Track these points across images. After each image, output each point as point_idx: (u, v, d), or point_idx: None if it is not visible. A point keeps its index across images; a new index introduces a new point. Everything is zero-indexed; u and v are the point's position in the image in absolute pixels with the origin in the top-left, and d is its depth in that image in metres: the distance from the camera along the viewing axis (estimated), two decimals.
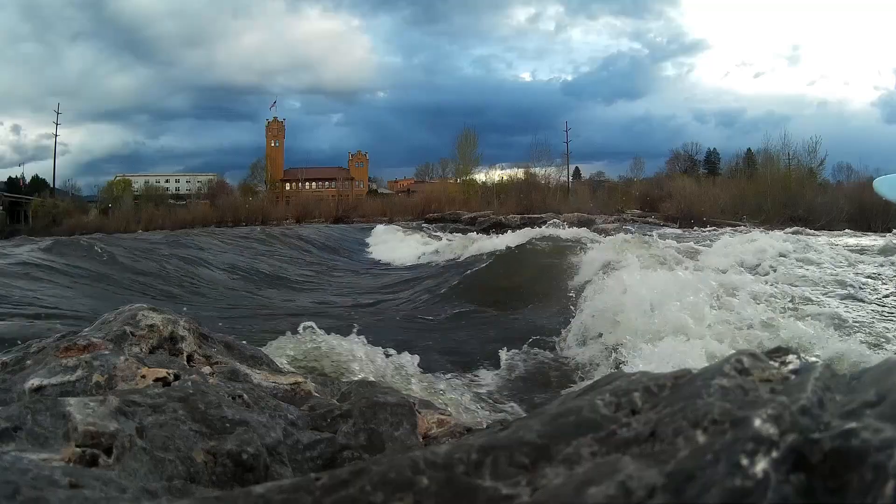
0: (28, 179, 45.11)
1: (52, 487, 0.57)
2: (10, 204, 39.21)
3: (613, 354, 3.20)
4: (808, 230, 13.36)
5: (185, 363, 1.29)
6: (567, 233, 8.14)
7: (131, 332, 1.27)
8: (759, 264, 5.60)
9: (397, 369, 2.43)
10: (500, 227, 17.88)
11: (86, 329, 1.31)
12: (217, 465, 0.81)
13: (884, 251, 6.70)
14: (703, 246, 6.81)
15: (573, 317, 4.03)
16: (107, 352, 1.13)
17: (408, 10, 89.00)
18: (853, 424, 0.41)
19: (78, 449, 0.73)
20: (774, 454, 0.40)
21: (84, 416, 0.77)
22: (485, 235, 11.95)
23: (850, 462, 0.38)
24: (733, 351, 0.61)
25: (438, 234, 17.14)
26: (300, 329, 2.44)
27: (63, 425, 0.76)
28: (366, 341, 2.49)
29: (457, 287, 6.22)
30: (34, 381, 1.03)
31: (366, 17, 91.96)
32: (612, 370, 2.93)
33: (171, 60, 78.28)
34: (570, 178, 44.55)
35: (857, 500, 0.37)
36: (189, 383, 1.02)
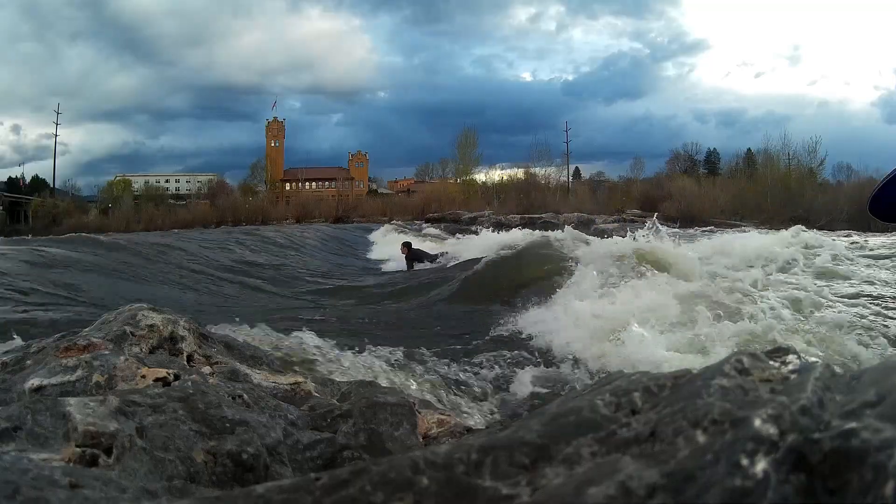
0: (28, 179, 45.16)
1: (52, 487, 0.57)
2: (10, 204, 39.22)
3: None
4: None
5: (185, 363, 1.29)
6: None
7: (131, 332, 1.27)
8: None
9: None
10: (500, 228, 17.97)
11: (86, 329, 1.31)
12: (217, 465, 0.81)
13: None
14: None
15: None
16: (107, 352, 1.13)
17: (408, 10, 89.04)
18: (853, 424, 0.41)
19: (78, 449, 0.73)
20: (774, 454, 0.40)
21: (84, 416, 0.77)
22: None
23: (850, 462, 0.38)
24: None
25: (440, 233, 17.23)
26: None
27: (63, 425, 0.76)
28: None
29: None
30: (34, 381, 1.03)
31: (366, 17, 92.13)
32: None
33: (171, 60, 78.40)
34: (570, 178, 44.60)
35: (857, 500, 0.37)
36: (189, 383, 1.02)
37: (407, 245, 10.12)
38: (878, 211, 1.30)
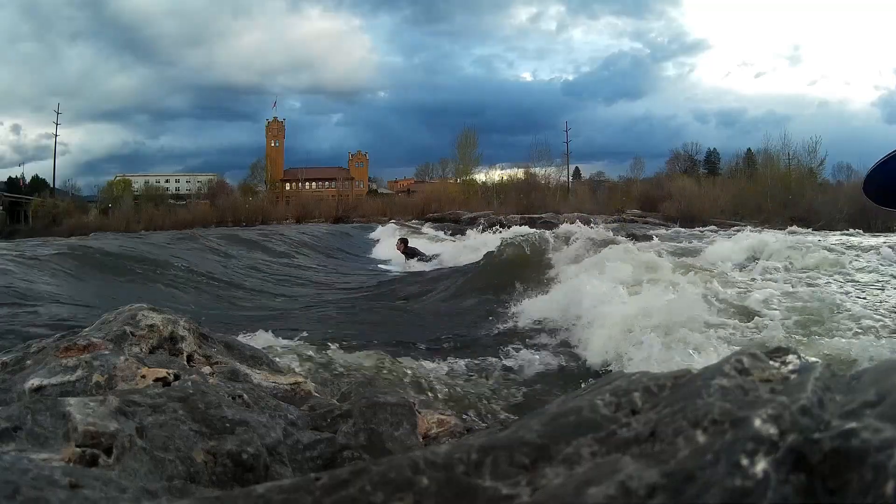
0: (28, 179, 45.21)
1: (52, 487, 0.57)
2: (10, 204, 39.24)
3: None
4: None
5: (185, 363, 1.29)
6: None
7: (131, 332, 1.27)
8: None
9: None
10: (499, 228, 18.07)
11: (86, 329, 1.31)
12: (217, 465, 0.81)
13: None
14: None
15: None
16: (107, 352, 1.13)
17: (409, 10, 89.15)
18: (853, 424, 0.41)
19: (78, 449, 0.73)
20: (774, 454, 0.40)
21: (84, 416, 0.77)
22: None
23: (850, 462, 0.38)
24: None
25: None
26: None
27: (63, 425, 0.76)
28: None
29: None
30: (34, 381, 1.03)
31: (366, 17, 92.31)
32: None
33: (171, 60, 78.51)
34: (570, 178, 44.62)
35: (857, 500, 0.37)
36: (189, 383, 1.02)
37: (403, 241, 10.25)
38: (870, 191, 1.31)
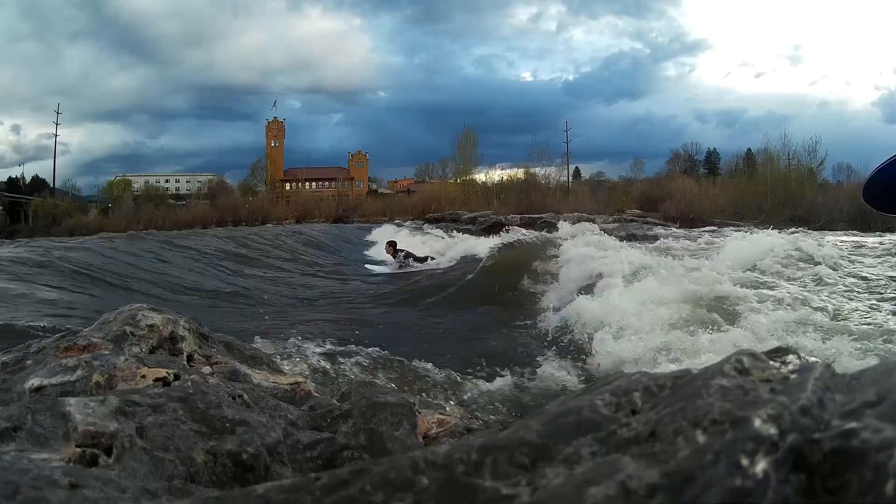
0: (28, 179, 45.31)
1: (52, 487, 0.57)
2: (10, 204, 39.27)
3: None
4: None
5: (185, 363, 1.29)
6: None
7: (131, 332, 1.27)
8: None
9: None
10: (500, 227, 18.10)
11: (86, 329, 1.31)
12: (217, 465, 0.81)
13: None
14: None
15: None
16: (107, 352, 1.13)
17: (409, 10, 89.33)
18: (853, 424, 0.41)
19: (78, 449, 0.73)
20: (774, 454, 0.40)
21: (84, 416, 0.77)
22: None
23: (851, 462, 0.38)
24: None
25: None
26: None
27: (63, 425, 0.76)
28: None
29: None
30: (34, 381, 1.03)
31: (367, 17, 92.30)
32: None
33: (171, 60, 78.58)
34: (570, 178, 44.62)
35: (857, 500, 0.37)
36: (189, 383, 1.02)
37: (392, 244, 10.24)
38: (869, 196, 1.29)
